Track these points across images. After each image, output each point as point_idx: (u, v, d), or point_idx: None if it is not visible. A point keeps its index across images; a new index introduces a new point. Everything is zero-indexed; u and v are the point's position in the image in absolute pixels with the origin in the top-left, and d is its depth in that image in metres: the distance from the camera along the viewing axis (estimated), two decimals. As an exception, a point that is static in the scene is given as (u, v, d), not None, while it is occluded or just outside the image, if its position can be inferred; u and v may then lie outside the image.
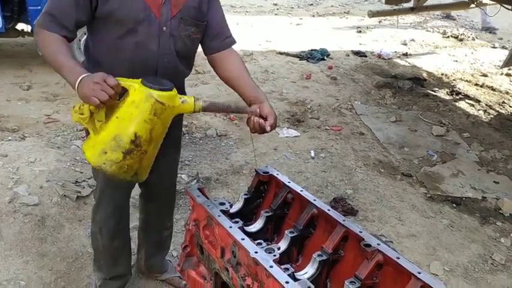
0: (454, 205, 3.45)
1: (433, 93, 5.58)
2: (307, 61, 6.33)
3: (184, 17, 1.71)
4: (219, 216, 1.48)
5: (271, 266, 1.25)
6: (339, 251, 1.46)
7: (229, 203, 1.57)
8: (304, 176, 3.64)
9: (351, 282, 1.30)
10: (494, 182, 3.82)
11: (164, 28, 1.68)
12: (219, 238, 1.48)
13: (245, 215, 1.75)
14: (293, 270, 1.36)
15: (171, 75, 1.77)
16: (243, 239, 1.36)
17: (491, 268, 2.85)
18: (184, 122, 4.27)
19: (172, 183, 2.24)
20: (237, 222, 1.57)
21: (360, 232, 1.40)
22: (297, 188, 1.65)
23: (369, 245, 1.34)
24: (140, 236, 2.41)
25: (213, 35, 1.84)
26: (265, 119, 1.70)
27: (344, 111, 4.93)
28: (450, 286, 2.62)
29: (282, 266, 1.34)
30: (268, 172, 1.74)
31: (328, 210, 1.51)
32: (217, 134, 4.14)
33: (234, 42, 1.91)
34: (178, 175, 3.38)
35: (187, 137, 4.05)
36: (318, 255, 1.42)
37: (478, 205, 3.49)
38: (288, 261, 1.58)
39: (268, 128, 1.67)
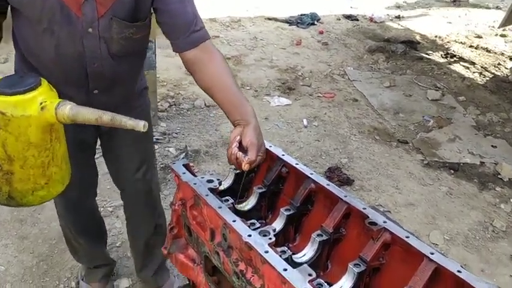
0: (452, 171, 3.36)
1: (427, 56, 5.42)
2: (297, 26, 6.11)
3: (115, 17, 1.39)
4: (207, 195, 1.33)
5: (266, 251, 1.11)
6: (340, 229, 1.32)
7: (218, 179, 1.42)
8: (297, 146, 3.50)
9: (355, 264, 1.18)
10: (492, 146, 3.72)
11: (90, 29, 1.38)
12: (208, 219, 1.34)
13: (236, 192, 1.60)
14: (290, 253, 1.22)
15: (111, 81, 1.53)
16: (234, 221, 1.22)
17: (492, 235, 2.77)
18: (171, 93, 4.09)
19: (139, 174, 1.85)
20: (227, 200, 1.43)
21: (364, 209, 1.26)
22: (292, 161, 1.50)
23: (374, 223, 1.21)
24: (129, 240, 2.13)
25: (172, 31, 1.46)
26: (245, 151, 1.30)
27: (336, 77, 4.77)
28: (451, 255, 2.54)
29: (279, 249, 1.21)
30: (260, 144, 1.59)
31: (328, 185, 1.37)
32: (205, 104, 3.96)
33: (204, 37, 1.46)
34: (166, 149, 3.23)
35: (174, 109, 3.88)
36: (318, 235, 1.29)
37: (476, 170, 3.39)
38: (284, 241, 1.44)
39: (245, 166, 1.28)
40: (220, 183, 1.42)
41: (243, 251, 1.20)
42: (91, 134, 1.72)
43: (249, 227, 1.25)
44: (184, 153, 3.17)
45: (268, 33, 5.78)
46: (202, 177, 1.41)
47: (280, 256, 1.17)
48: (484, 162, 3.48)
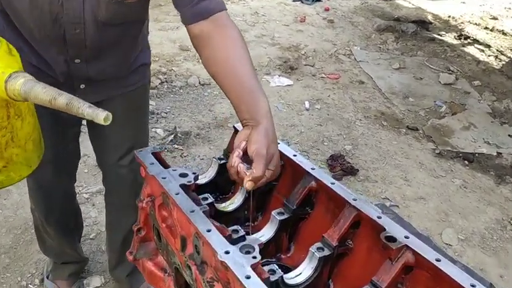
0: (466, 162, 3.07)
1: (439, 37, 5.08)
2: (302, 2, 5.74)
3: None
4: (177, 194, 1.04)
5: (247, 277, 0.83)
6: (347, 241, 1.04)
7: (194, 173, 1.12)
8: (298, 130, 3.20)
9: (366, 292, 0.89)
10: (509, 135, 3.42)
11: None
12: (179, 224, 1.05)
13: (220, 186, 1.32)
14: (282, 273, 0.94)
15: (95, 51, 1.29)
16: (208, 231, 0.93)
17: (511, 235, 2.49)
18: (163, 69, 3.79)
19: (126, 160, 1.60)
20: (206, 199, 1.14)
21: (379, 218, 0.97)
22: (289, 152, 1.21)
23: (393, 239, 0.92)
24: (106, 232, 1.90)
25: None
26: (250, 162, 1.00)
27: (342, 57, 4.44)
28: (466, 258, 2.26)
29: (266, 267, 0.93)
30: (250, 129, 1.30)
31: (332, 184, 1.07)
32: (200, 82, 3.66)
33: (216, 8, 1.15)
34: (153, 129, 2.94)
35: (165, 86, 3.58)
36: (318, 249, 1.00)
37: (493, 162, 3.10)
38: (276, 251, 1.16)
39: (247, 184, 0.98)
40: (196, 178, 1.13)
41: (219, 270, 0.92)
42: None
43: (230, 236, 0.97)
44: (172, 135, 2.88)
45: (270, 9, 5.43)
46: (175, 170, 1.12)
47: (269, 278, 0.89)
48: (501, 153, 3.18)
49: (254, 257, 0.87)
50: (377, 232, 0.96)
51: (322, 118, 3.38)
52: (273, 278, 0.93)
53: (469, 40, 5.09)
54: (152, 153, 1.17)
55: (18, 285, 1.91)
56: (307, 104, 3.51)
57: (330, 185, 1.08)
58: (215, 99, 3.45)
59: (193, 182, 1.09)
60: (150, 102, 3.26)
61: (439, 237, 2.40)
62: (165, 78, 3.68)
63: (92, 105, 0.91)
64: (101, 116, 0.89)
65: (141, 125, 1.64)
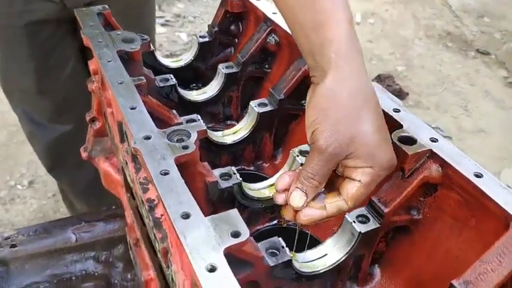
0: (544, 95, 2.53)
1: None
2: None
3: None
4: (109, 61, 0.73)
5: (164, 173, 0.52)
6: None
7: (145, 39, 0.80)
8: (343, 46, 2.77)
9: (358, 218, 0.57)
10: None
11: None
12: (113, 104, 0.76)
13: (200, 73, 1.01)
14: (239, 180, 0.63)
15: None
16: (132, 108, 0.63)
17: None
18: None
19: None
20: (165, 80, 0.84)
21: (396, 112, 0.62)
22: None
23: (410, 140, 0.57)
24: None
25: None
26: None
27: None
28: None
29: (224, 172, 0.62)
30: (242, -3, 0.95)
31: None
32: (239, -11, 3.24)
33: None
34: (176, 33, 2.64)
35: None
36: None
37: None
38: (256, 157, 0.85)
39: (284, 212, 0.58)
40: (148, 45, 0.81)
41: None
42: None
43: (177, 125, 0.67)
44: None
45: None
46: (119, 34, 0.81)
47: (216, 183, 0.59)
48: None
49: (185, 147, 0.56)
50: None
51: (374, 34, 2.92)
52: (224, 185, 0.63)
53: None
54: (99, 14, 0.86)
55: (6, 185, 1.76)
56: (358, 17, 3.04)
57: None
58: (254, 7, 3.06)
59: (139, 49, 0.78)
60: (178, 4, 2.96)
61: (497, 177, 1.99)
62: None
63: None
64: None
65: (147, 17, 1.29)
